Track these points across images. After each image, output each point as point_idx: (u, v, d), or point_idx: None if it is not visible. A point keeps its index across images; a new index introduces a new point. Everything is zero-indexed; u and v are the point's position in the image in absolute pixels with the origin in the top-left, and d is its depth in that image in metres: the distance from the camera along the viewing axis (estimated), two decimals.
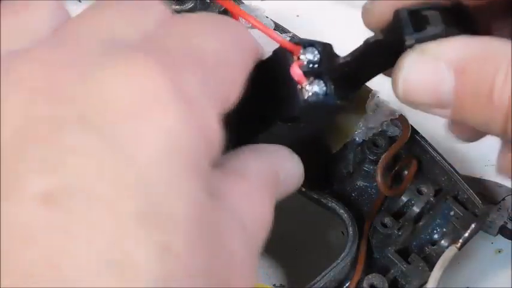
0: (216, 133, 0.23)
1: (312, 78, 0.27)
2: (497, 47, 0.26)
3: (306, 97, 0.27)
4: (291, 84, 0.27)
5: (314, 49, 0.28)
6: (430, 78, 0.27)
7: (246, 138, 0.29)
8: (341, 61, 0.28)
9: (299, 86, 0.27)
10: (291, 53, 0.28)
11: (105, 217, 0.19)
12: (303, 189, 0.40)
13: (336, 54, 0.29)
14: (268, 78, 0.28)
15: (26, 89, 0.21)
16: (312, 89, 0.27)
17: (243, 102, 0.29)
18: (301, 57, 0.28)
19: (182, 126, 0.21)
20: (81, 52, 0.22)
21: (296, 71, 0.27)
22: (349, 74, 0.28)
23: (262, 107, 0.29)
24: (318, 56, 0.28)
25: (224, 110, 0.24)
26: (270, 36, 0.29)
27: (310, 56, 0.28)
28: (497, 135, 0.27)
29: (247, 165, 0.27)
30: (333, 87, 0.28)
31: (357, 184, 0.42)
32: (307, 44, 0.28)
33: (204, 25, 0.25)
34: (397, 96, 0.28)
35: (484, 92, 0.26)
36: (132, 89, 0.21)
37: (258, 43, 0.27)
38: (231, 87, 0.24)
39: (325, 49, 0.28)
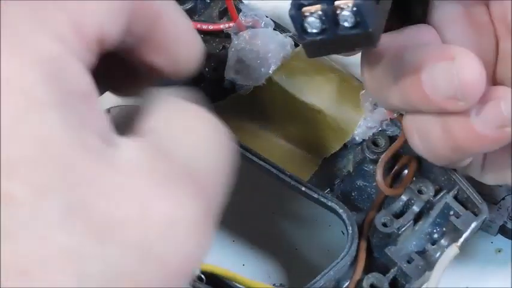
0: (60, 64, 0.22)
1: None
2: None
3: None
4: None
5: None
6: None
7: None
8: None
9: None
10: None
11: None
12: (303, 189, 0.40)
13: None
14: None
15: None
16: None
17: None
18: None
19: (6, 61, 0.20)
20: None
21: None
22: None
23: None
24: None
25: (88, 39, 0.23)
26: None
27: None
28: None
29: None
30: None
31: (356, 183, 0.42)
32: None
33: None
34: None
35: None
36: None
37: None
38: (85, 10, 0.23)
39: None
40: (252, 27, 0.44)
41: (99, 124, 0.22)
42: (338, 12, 0.27)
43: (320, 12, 0.27)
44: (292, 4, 0.28)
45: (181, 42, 0.28)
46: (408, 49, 0.33)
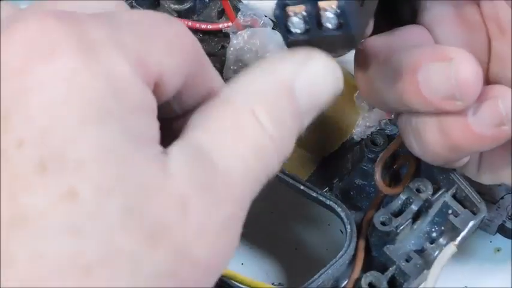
0: (126, 82, 0.22)
1: None
2: None
3: None
4: None
5: None
6: None
7: None
8: None
9: None
10: None
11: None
12: (302, 188, 0.40)
13: None
14: None
15: None
16: None
17: None
18: None
19: (80, 72, 0.21)
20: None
21: None
22: None
23: None
24: None
25: (150, 74, 0.24)
26: None
27: None
28: None
29: (235, 88, 0.25)
30: None
31: (355, 182, 0.42)
32: None
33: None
34: None
35: None
36: (23, 44, 0.21)
37: (195, 43, 0.26)
38: (153, 51, 0.24)
39: None
40: (251, 26, 0.44)
41: (155, 135, 0.23)
42: (322, 13, 0.27)
43: (304, 13, 0.27)
44: (276, 4, 0.28)
45: None
46: (402, 50, 0.33)
